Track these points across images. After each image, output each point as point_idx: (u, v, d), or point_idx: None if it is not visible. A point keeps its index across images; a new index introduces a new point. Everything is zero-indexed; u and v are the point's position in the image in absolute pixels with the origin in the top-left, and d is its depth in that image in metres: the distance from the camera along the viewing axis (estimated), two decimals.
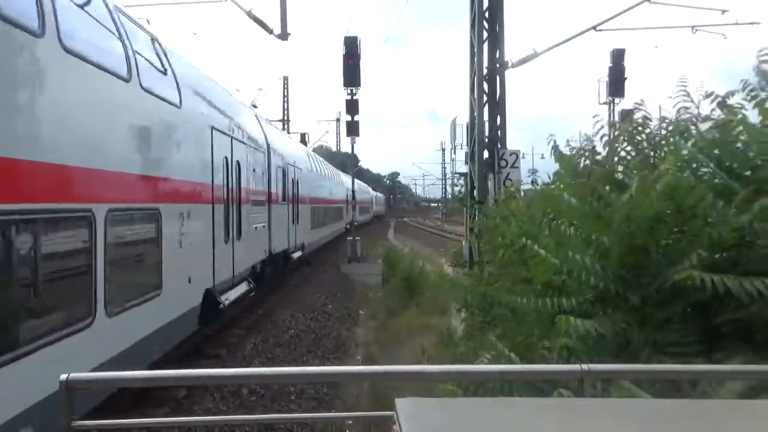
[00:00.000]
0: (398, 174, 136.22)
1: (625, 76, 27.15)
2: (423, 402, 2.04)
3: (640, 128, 4.43)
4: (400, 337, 11.62)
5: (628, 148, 4.56)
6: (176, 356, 8.64)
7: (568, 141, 5.22)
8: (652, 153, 4.45)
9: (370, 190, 67.12)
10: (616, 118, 30.55)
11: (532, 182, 6.21)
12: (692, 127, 4.22)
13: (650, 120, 4.41)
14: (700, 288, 3.35)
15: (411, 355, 9.90)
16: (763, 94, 3.95)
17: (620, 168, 4.66)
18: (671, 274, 3.53)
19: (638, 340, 3.60)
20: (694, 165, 4.04)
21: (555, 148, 4.87)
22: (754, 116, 3.98)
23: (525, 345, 4.31)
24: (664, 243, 3.81)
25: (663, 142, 4.40)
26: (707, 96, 4.15)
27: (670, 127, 4.31)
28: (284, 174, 16.95)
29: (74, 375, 2.48)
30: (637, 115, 4.49)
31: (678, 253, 3.66)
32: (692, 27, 17.92)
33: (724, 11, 17.03)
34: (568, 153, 4.96)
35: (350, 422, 6.06)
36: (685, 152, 4.09)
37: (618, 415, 2.03)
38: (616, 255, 3.78)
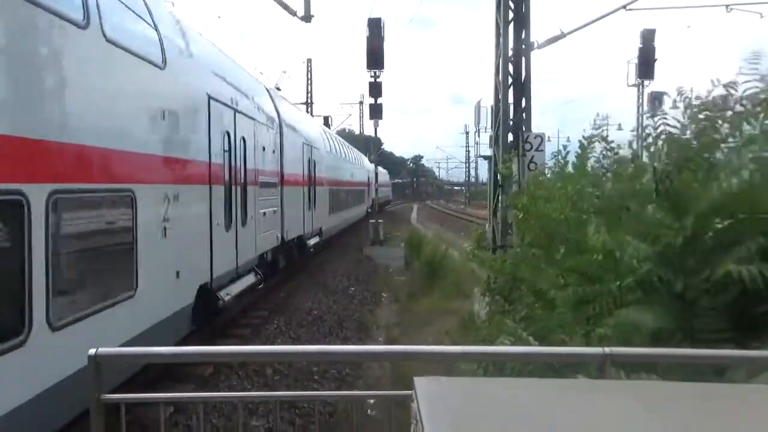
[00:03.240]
0: (422, 157, 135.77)
1: (656, 57, 26.54)
2: (441, 381, 2.05)
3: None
4: (422, 320, 11.67)
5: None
6: (200, 337, 8.82)
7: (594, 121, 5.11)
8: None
9: (365, 159, 39.49)
10: (646, 101, 29.92)
11: (558, 164, 6.11)
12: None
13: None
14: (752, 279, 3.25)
15: (433, 337, 9.95)
16: None
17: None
18: (722, 262, 3.43)
19: (673, 327, 3.54)
20: None
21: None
22: None
23: (549, 331, 4.29)
24: (718, 228, 3.70)
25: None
26: None
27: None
28: None
29: (102, 350, 2.55)
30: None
31: (732, 241, 3.55)
32: (727, 6, 17.32)
33: None
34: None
35: (373, 402, 6.14)
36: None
37: (640, 397, 2.01)
38: (671, 242, 3.69)
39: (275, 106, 14.25)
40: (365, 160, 40.64)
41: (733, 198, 3.55)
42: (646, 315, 3.56)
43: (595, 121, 5.16)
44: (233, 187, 9.71)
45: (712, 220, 3.67)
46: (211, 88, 8.72)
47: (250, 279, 10.88)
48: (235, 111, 10.00)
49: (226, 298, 9.03)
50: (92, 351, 2.51)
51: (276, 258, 13.77)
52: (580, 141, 5.16)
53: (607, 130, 5.03)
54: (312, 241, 17.65)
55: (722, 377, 2.95)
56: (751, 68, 3.95)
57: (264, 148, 12.10)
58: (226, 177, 9.35)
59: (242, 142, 10.36)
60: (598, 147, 5.20)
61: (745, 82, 3.99)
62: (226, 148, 9.43)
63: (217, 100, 8.93)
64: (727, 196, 3.52)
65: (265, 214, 11.99)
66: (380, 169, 41.55)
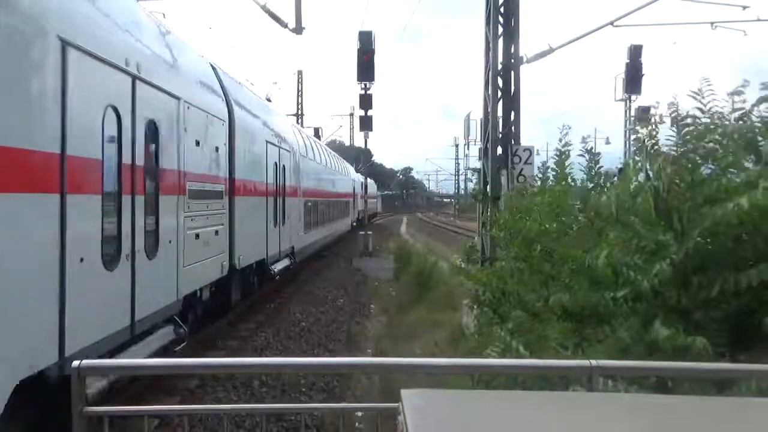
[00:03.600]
0: (411, 169, 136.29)
1: (643, 72, 26.98)
2: (429, 393, 2.04)
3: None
4: (411, 332, 11.64)
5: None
6: (188, 348, 8.73)
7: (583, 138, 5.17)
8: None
9: (350, 168, 36.13)
10: (633, 116, 30.31)
11: (542, 179, 6.17)
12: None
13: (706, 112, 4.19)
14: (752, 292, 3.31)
15: (421, 350, 9.92)
16: None
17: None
18: (736, 278, 3.46)
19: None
20: None
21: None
22: None
23: (537, 341, 4.30)
24: (724, 247, 3.75)
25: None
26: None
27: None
28: None
29: (86, 362, 2.52)
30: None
31: (742, 258, 3.59)
32: (712, 23, 17.65)
33: (744, 7, 16.74)
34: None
35: (360, 414, 6.10)
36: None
37: (627, 410, 2.02)
38: (679, 256, 3.73)
39: (223, 88, 10.31)
40: (350, 169, 36.55)
41: (740, 217, 3.60)
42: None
43: (561, 136, 5.22)
44: (127, 198, 6.31)
45: (717, 238, 3.72)
46: (65, 26, 5.09)
47: (159, 339, 7.13)
48: (135, 78, 6.47)
49: (95, 390, 4.92)
50: (76, 363, 2.48)
51: (225, 293, 10.35)
52: (558, 149, 5.22)
53: (593, 142, 5.07)
54: (279, 265, 14.06)
55: (720, 391, 2.96)
56: (708, 89, 4.06)
57: (198, 143, 8.46)
58: (110, 181, 6.01)
59: (150, 128, 6.92)
60: (582, 160, 5.27)
61: (712, 100, 4.10)
62: (112, 133, 6.08)
63: (83, 51, 5.37)
64: (733, 216, 3.56)
65: (198, 235, 8.43)
66: (367, 180, 39.46)
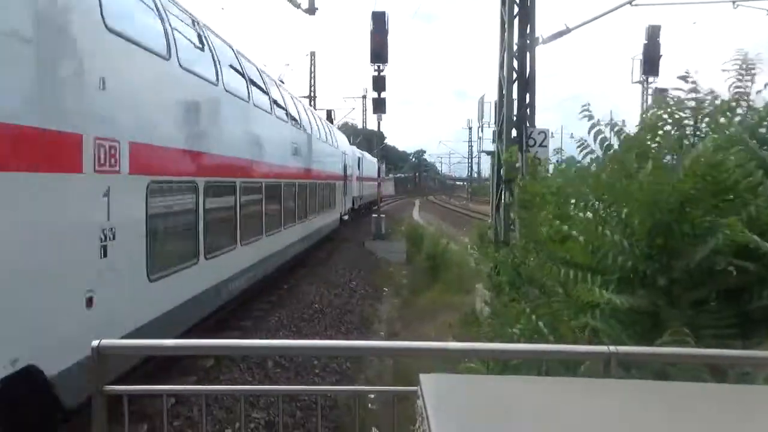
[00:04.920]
0: (424, 152, 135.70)
1: (661, 53, 26.47)
2: (447, 378, 2.04)
3: (681, 105, 4.27)
4: (424, 315, 11.68)
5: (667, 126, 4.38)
6: (203, 329, 8.82)
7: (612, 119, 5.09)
8: (692, 130, 4.29)
9: (339, 135, 26.18)
10: (650, 98, 29.82)
11: (558, 162, 6.07)
12: (741, 103, 4.06)
13: (698, 92, 4.21)
14: (730, 271, 3.29)
15: (434, 332, 9.96)
16: None
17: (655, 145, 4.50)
18: (699, 252, 3.46)
19: (669, 319, 3.53)
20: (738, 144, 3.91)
21: (593, 125, 4.70)
22: None
23: (552, 323, 4.28)
24: (692, 222, 3.72)
25: (707, 119, 4.25)
26: None
27: (716, 102, 4.15)
28: None
29: (105, 341, 2.54)
30: (685, 88, 4.30)
31: (707, 233, 3.57)
32: (733, 2, 17.23)
33: None
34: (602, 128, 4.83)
35: (372, 396, 6.15)
36: (731, 129, 3.96)
37: (644, 397, 2.00)
38: (643, 233, 3.73)
39: None
40: (341, 138, 26.60)
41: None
42: (632, 303, 3.58)
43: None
44: None
45: (674, 213, 3.70)
46: None
47: None
48: None
49: None
50: (95, 343, 2.50)
51: None
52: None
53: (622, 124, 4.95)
54: None
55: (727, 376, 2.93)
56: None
57: None
58: None
59: None
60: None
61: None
62: None
63: None
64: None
65: None
66: (367, 155, 32.98)
